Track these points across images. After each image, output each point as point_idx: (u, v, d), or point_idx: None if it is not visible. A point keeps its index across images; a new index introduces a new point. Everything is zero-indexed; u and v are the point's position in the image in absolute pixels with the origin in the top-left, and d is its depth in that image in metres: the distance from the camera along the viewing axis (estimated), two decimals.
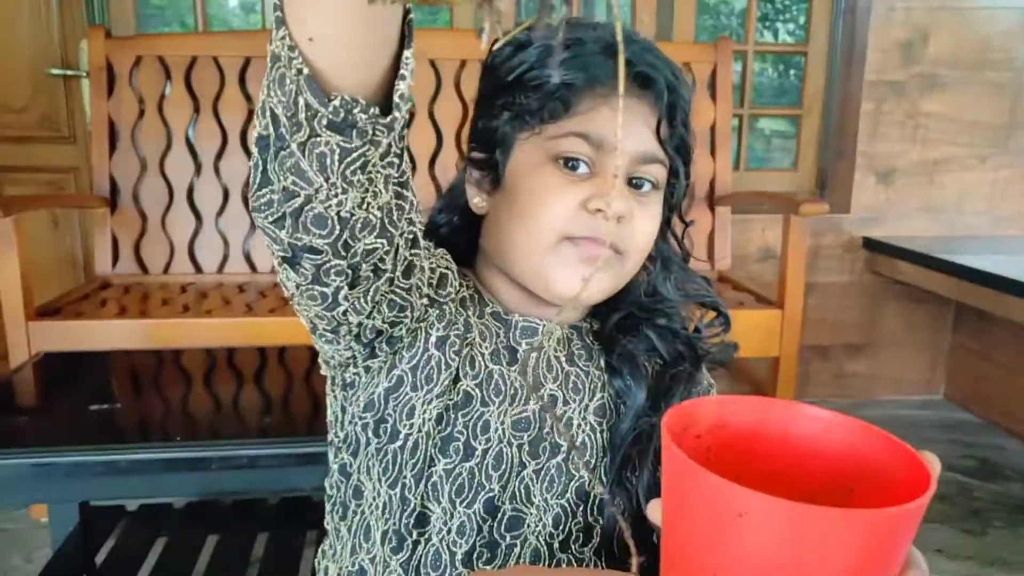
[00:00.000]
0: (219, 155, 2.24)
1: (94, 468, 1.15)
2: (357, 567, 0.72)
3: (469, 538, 0.68)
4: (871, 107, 2.59)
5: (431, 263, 0.66)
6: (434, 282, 0.67)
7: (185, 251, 2.24)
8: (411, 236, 0.61)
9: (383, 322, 0.64)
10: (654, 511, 0.42)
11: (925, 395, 2.81)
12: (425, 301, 0.66)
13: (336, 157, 0.50)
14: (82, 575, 1.50)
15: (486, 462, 0.68)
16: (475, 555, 0.68)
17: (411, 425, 0.67)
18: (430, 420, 0.67)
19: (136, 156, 2.22)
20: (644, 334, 0.75)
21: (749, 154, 2.79)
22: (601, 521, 0.71)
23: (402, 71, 0.50)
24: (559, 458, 0.70)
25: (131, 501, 1.71)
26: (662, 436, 0.38)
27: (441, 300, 0.68)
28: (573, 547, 0.70)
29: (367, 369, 0.68)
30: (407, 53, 0.50)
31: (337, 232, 0.54)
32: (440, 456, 0.67)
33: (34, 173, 2.39)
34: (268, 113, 0.51)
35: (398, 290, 0.62)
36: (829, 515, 0.33)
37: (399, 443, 0.68)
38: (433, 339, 0.67)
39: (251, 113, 2.26)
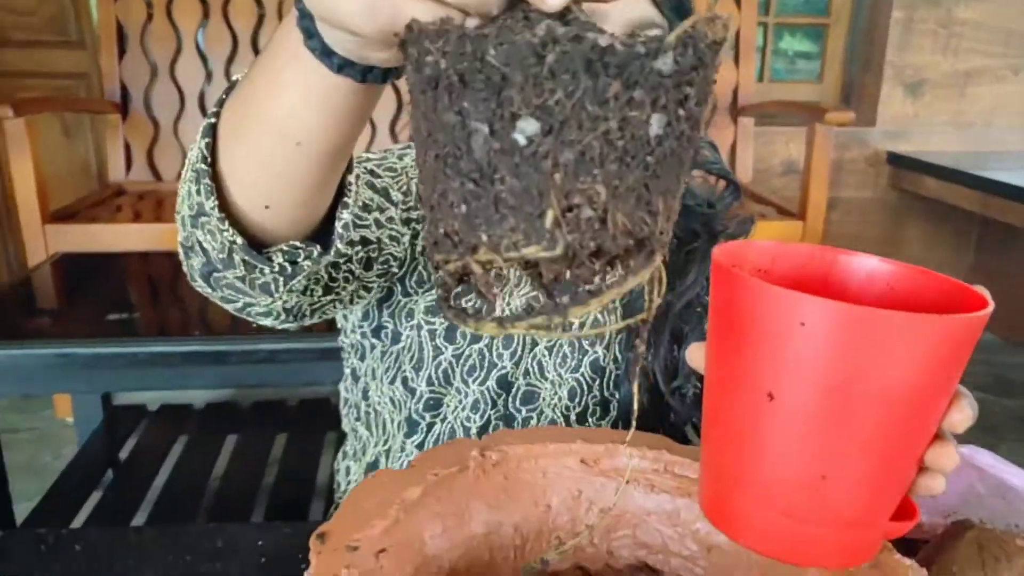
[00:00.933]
0: (230, 60, 2.20)
1: (115, 360, 1.16)
2: (373, 459, 0.73)
3: (484, 413, 0.68)
4: (902, 15, 2.48)
5: (402, 187, 0.63)
6: (410, 204, 0.64)
7: None
8: (363, 258, 0.60)
9: (376, 285, 0.64)
10: (694, 355, 0.42)
11: None
12: (408, 234, 0.64)
13: (280, 283, 0.50)
14: (106, 469, 1.53)
15: (496, 342, 0.67)
16: (491, 428, 0.68)
17: (411, 325, 0.67)
18: (430, 314, 0.67)
19: (146, 61, 2.17)
20: None
21: (772, 68, 2.70)
22: (618, 395, 0.70)
23: (345, 199, 0.48)
24: (571, 334, 0.70)
25: (153, 401, 1.74)
26: (712, 265, 0.37)
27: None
28: (590, 420, 0.70)
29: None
30: (350, 178, 0.48)
31: (283, 317, 0.56)
32: (447, 344, 0.67)
33: (44, 79, 2.36)
34: (196, 245, 0.49)
35: (375, 274, 0.62)
36: (894, 319, 0.32)
37: (402, 344, 0.68)
38: (419, 247, 0.65)
39: (262, 17, 2.20)
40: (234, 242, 0.46)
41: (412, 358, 0.68)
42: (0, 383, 1.16)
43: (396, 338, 0.68)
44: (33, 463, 1.81)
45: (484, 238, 0.26)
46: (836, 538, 0.37)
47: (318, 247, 0.49)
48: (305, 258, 0.49)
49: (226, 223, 0.45)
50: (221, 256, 0.47)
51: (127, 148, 2.18)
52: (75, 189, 2.28)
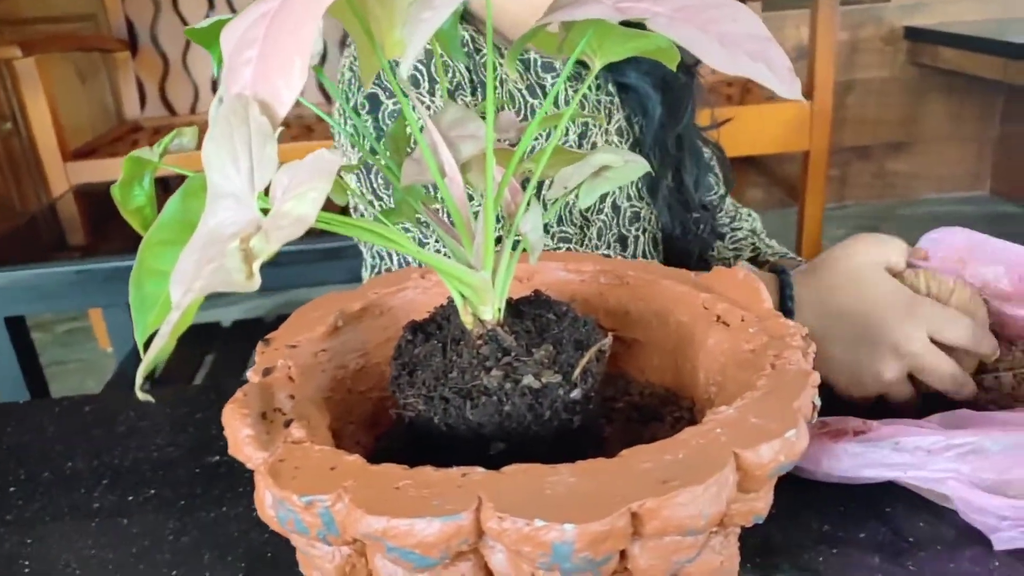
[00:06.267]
0: None
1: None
2: None
3: None
4: None
5: None
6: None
7: (209, 89, 2.25)
8: None
9: None
10: None
11: (970, 191, 2.73)
12: None
13: None
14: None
15: None
16: None
17: None
18: None
19: None
20: None
21: None
22: (635, 232, 0.75)
23: None
24: None
25: None
26: None
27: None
28: None
29: None
30: None
31: None
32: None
33: (54, 24, 2.40)
34: None
35: None
36: None
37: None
38: None
39: None
40: None
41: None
42: (30, 302, 1.24)
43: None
44: (79, 389, 1.92)
45: None
46: None
47: None
48: None
49: None
50: None
51: (140, 85, 2.22)
52: (94, 131, 2.34)
